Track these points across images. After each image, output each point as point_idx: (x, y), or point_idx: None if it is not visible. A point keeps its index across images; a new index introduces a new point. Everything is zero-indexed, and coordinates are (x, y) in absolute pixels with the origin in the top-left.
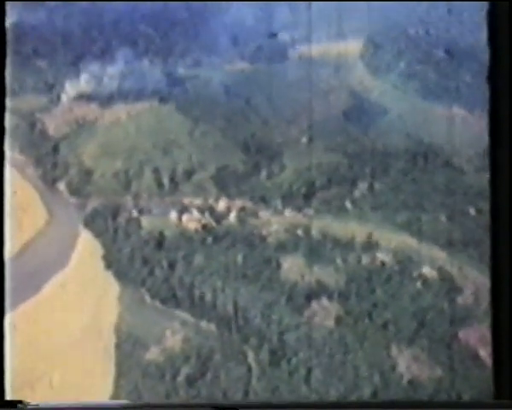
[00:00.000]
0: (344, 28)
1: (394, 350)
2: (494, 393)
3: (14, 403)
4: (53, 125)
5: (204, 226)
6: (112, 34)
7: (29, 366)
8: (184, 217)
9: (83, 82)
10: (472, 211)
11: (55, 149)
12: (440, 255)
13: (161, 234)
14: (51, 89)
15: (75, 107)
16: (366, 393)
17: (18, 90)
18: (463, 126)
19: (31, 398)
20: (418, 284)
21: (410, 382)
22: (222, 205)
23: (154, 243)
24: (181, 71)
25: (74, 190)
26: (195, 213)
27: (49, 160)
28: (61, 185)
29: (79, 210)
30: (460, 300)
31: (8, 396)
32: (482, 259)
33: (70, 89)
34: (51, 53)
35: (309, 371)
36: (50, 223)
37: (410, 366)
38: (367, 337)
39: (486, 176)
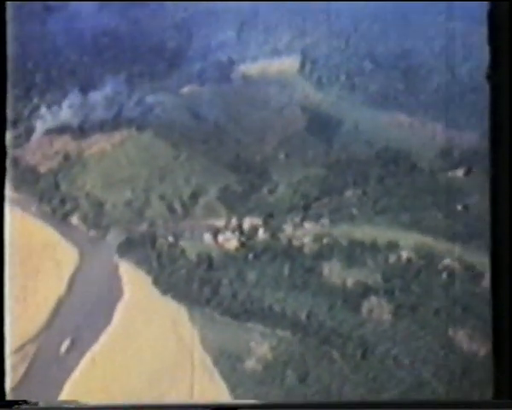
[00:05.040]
0: (277, 45)
1: (451, 332)
2: (494, 393)
3: (14, 403)
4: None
5: (242, 244)
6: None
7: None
8: (220, 238)
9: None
10: (459, 207)
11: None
12: (454, 248)
13: (208, 256)
14: (16, 123)
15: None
16: (458, 372)
17: None
18: (411, 131)
19: None
20: (444, 275)
21: (486, 356)
22: (247, 223)
23: (205, 265)
24: (148, 98)
25: (90, 223)
26: (228, 234)
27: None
28: (74, 219)
29: (103, 241)
30: (485, 283)
31: None
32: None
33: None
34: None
35: (395, 358)
36: (84, 258)
37: (470, 344)
38: (426, 325)
39: (455, 174)
